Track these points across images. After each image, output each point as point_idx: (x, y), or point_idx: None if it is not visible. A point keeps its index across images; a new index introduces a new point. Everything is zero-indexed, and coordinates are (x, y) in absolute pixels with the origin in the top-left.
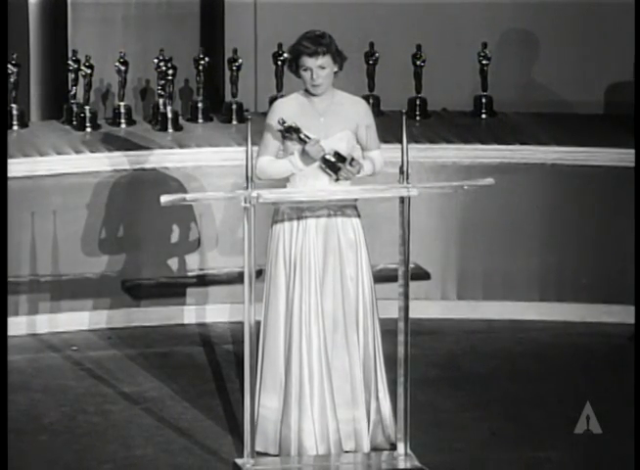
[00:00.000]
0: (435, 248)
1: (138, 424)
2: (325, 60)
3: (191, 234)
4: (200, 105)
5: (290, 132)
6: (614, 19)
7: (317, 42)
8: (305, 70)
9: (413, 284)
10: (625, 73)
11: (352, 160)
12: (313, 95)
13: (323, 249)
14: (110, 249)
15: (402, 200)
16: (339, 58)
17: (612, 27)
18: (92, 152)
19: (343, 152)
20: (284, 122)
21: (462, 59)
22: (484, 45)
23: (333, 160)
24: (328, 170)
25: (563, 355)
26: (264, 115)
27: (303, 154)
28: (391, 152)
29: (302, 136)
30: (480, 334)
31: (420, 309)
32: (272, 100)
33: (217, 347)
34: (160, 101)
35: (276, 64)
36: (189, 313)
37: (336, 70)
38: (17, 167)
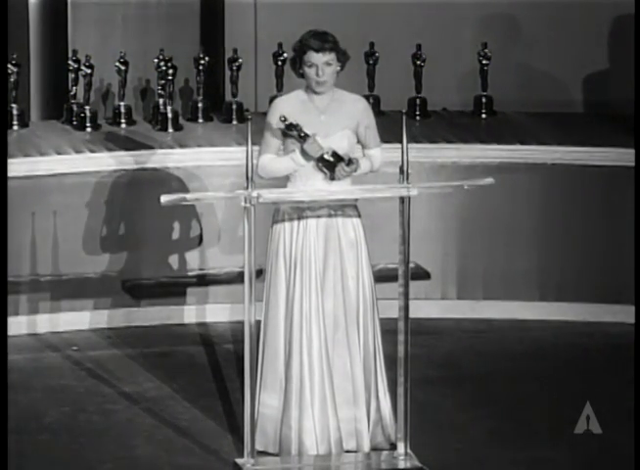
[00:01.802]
0: (435, 247)
1: (138, 424)
2: (331, 56)
3: (191, 234)
4: (200, 105)
5: (290, 130)
6: (614, 18)
7: (324, 39)
8: (310, 66)
9: (413, 284)
10: (626, 73)
11: (350, 159)
12: (315, 93)
13: (324, 248)
14: (110, 249)
15: (402, 200)
16: (343, 57)
17: (612, 27)
18: (92, 152)
19: (344, 151)
20: (285, 120)
21: (462, 59)
22: (484, 45)
23: (331, 159)
24: (324, 169)
25: (563, 355)
26: (264, 114)
27: (303, 152)
28: (391, 152)
29: (302, 134)
30: (481, 334)
31: (420, 309)
32: (272, 100)
33: (217, 346)
34: (161, 101)
35: (276, 63)
36: (189, 313)
37: (338, 68)
38: (17, 167)
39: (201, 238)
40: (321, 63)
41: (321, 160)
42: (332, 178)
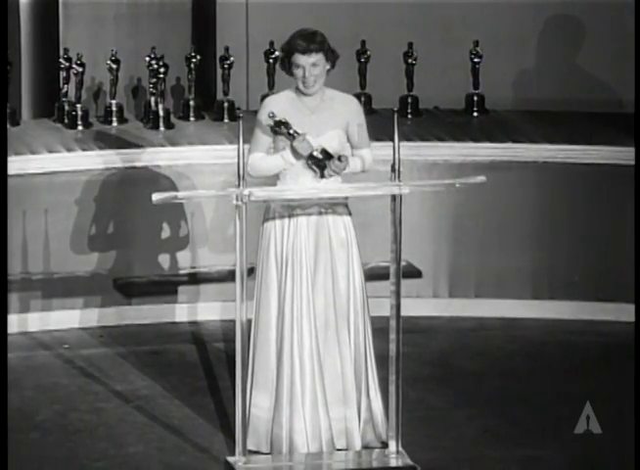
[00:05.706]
0: (427, 246)
1: (130, 422)
2: (317, 57)
3: (182, 232)
4: (191, 103)
5: (279, 127)
6: (606, 17)
7: (310, 40)
8: (297, 67)
9: (405, 282)
10: (618, 71)
11: (339, 157)
12: (304, 94)
13: (314, 247)
14: (101, 247)
15: (394, 198)
16: (331, 55)
17: (604, 26)
18: (84, 150)
19: (334, 150)
20: (273, 116)
21: (454, 57)
22: (476, 43)
23: (320, 157)
24: (314, 167)
25: (555, 353)
26: (256, 113)
27: (293, 150)
28: (383, 150)
29: (291, 131)
30: (472, 332)
31: (411, 307)
32: (264, 98)
33: (209, 345)
34: (152, 99)
35: (267, 62)
36: (180, 311)
37: (328, 67)
38: (8, 165)
39: (189, 237)
40: (308, 64)
41: (311, 157)
42: (321, 176)
